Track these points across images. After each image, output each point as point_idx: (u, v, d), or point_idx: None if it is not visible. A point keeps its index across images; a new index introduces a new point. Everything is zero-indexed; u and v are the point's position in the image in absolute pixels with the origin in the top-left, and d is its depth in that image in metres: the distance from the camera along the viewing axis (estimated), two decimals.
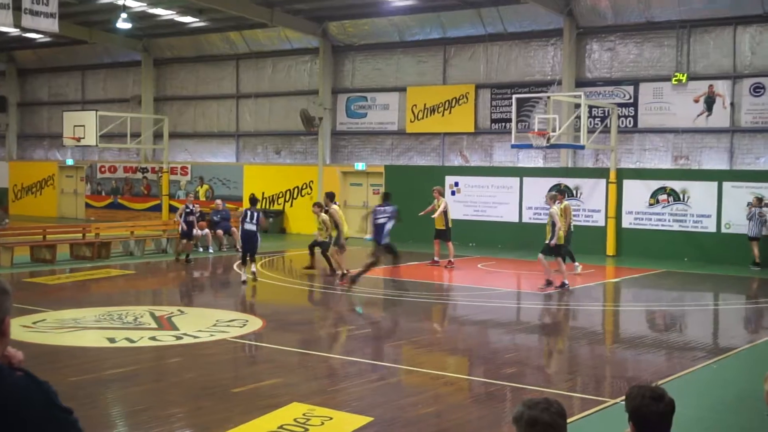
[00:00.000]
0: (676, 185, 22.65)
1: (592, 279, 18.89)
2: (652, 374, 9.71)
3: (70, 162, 35.90)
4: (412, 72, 27.70)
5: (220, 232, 23.41)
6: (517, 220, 24.65)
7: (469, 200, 25.57)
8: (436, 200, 20.40)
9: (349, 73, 29.07)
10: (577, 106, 21.97)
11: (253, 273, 17.18)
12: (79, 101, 35.76)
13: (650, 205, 22.96)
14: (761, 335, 13.17)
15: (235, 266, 19.27)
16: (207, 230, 23.26)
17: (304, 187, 29.27)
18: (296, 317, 13.87)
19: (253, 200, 18.22)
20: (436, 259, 20.39)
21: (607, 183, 23.33)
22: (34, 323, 12.08)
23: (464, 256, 21.86)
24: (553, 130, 20.74)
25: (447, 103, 26.83)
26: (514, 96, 22.94)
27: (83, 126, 27.65)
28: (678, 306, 15.93)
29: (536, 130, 21.03)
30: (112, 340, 11.05)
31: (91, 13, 29.51)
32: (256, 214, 17.28)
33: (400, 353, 11.22)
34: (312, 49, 29.38)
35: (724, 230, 21.89)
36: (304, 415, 7.67)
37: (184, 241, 20.50)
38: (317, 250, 18.89)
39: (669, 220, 22.73)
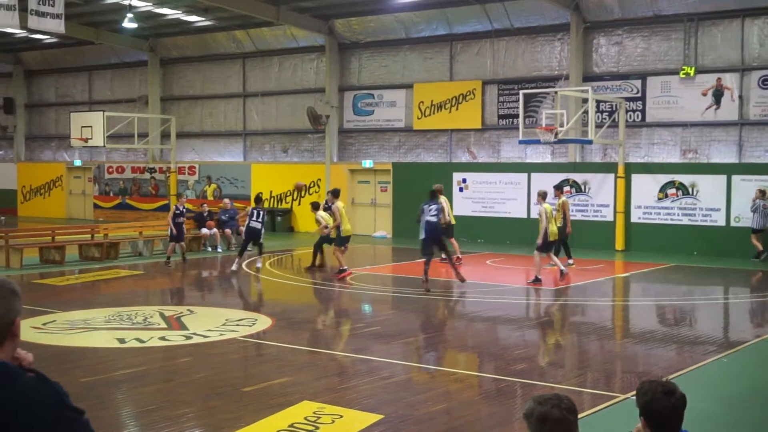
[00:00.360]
0: (684, 179, 22.58)
1: (601, 274, 18.85)
2: (663, 369, 9.69)
3: (78, 163, 35.99)
4: (418, 69, 27.67)
5: (228, 231, 23.43)
6: (525, 215, 24.60)
7: (477, 196, 25.55)
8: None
9: (355, 70, 29.06)
10: (585, 100, 21.91)
11: (258, 268, 18.54)
12: (86, 102, 35.85)
13: (659, 199, 22.89)
14: None
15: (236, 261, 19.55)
16: (215, 229, 23.31)
17: (312, 185, 29.28)
18: (305, 315, 13.88)
19: (258, 199, 20.14)
20: (443, 256, 20.32)
21: (616, 178, 23.27)
22: (43, 324, 12.11)
23: (473, 253, 21.84)
24: (561, 126, 20.70)
25: (454, 99, 26.79)
26: (521, 91, 22.89)
27: (91, 127, 27.74)
28: (688, 300, 15.88)
29: (544, 126, 20.99)
30: (121, 341, 11.07)
31: (97, 14, 29.56)
32: (262, 213, 18.59)
33: (410, 350, 11.22)
34: (318, 46, 29.38)
35: (733, 224, 21.83)
36: (314, 413, 7.66)
37: (172, 243, 19.86)
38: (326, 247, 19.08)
39: (678, 214, 22.66)
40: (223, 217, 23.60)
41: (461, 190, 25.55)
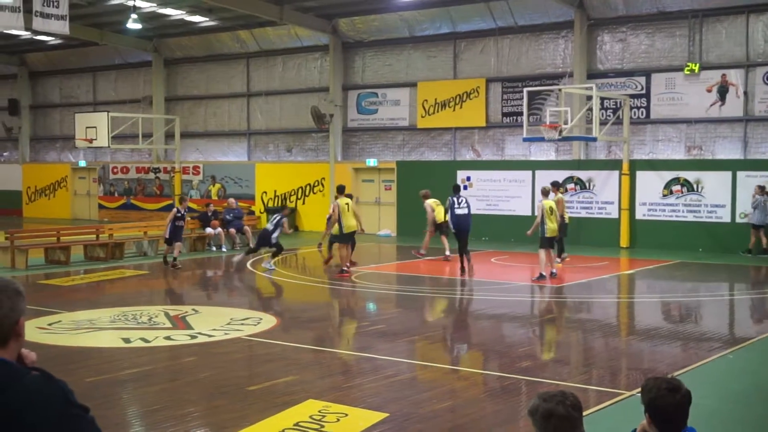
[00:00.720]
0: (689, 176, 22.54)
1: (606, 271, 18.83)
2: (668, 365, 9.67)
3: (82, 163, 36.04)
4: (422, 67, 27.66)
5: (233, 230, 23.47)
6: (529, 213, 24.53)
7: (481, 194, 25.53)
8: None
9: (359, 69, 29.05)
10: (589, 98, 21.87)
11: (269, 268, 18.67)
12: (90, 103, 35.89)
13: (664, 196, 22.85)
14: None
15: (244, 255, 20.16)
16: (220, 229, 23.34)
17: (316, 184, 29.29)
18: (310, 314, 13.89)
19: (276, 210, 21.76)
20: (447, 254, 20.34)
21: (620, 175, 23.24)
22: (49, 325, 12.14)
23: (477, 250, 21.82)
24: (565, 123, 20.65)
25: (458, 97, 26.78)
26: (525, 89, 22.89)
27: (95, 127, 27.75)
28: (693, 297, 15.85)
29: (548, 123, 20.96)
30: (127, 341, 11.09)
31: (101, 15, 29.60)
32: (278, 218, 19.17)
33: (414, 348, 11.22)
34: (322, 46, 29.38)
35: (738, 220, 21.79)
36: (319, 411, 7.67)
37: (166, 246, 19.62)
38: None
39: (683, 211, 22.62)
40: (227, 217, 23.63)
41: (465, 188, 25.50)
